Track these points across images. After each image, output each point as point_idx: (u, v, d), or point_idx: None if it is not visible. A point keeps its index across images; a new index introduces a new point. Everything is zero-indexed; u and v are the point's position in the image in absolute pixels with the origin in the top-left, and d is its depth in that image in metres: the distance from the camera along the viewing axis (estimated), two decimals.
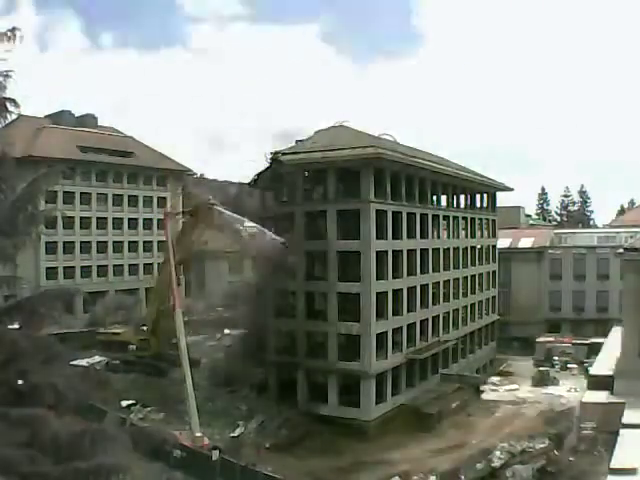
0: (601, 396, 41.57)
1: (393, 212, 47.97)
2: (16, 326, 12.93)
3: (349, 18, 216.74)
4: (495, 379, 61.61)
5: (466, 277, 60.87)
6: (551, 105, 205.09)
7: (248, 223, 47.17)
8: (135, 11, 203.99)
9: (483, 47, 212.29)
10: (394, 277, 47.70)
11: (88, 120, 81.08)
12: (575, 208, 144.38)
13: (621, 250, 47.55)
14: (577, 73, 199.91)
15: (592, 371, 46.71)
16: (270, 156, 48.12)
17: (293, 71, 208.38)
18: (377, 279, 45.56)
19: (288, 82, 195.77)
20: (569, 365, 62.64)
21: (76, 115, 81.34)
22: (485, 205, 68.19)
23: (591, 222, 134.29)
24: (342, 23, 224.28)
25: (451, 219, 58.58)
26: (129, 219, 77.92)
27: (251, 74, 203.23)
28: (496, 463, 37.81)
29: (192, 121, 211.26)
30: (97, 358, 49.43)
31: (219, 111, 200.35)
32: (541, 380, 58.13)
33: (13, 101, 12.85)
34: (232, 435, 43.26)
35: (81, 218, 72.62)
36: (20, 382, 11.99)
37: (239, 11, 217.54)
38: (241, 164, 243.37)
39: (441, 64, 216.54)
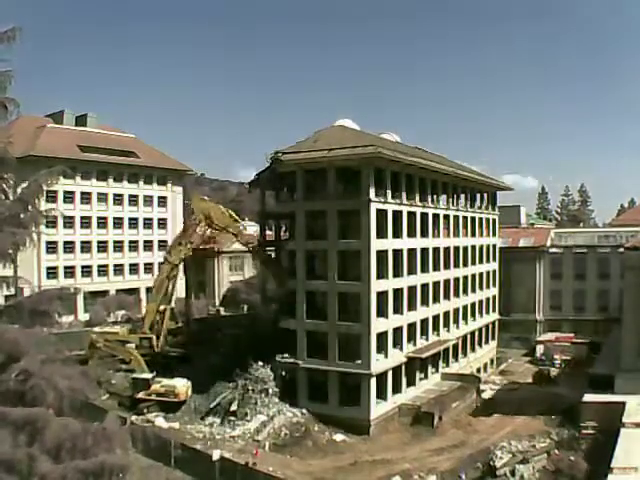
0: (602, 395, 41.63)
1: (393, 211, 47.94)
2: (16, 325, 12.90)
3: None
4: (496, 378, 61.68)
5: (466, 276, 60.82)
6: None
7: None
8: None
9: None
10: (395, 276, 47.65)
11: (89, 119, 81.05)
12: (575, 207, 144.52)
13: (622, 249, 47.63)
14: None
15: (593, 370, 46.77)
16: (270, 156, 48.05)
17: None
18: (377, 278, 45.51)
19: None
20: (569, 364, 62.65)
21: (77, 114, 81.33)
22: (485, 204, 68.15)
23: (591, 221, 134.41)
24: None
25: (451, 218, 58.50)
26: (129, 218, 77.92)
27: None
28: (497, 462, 37.79)
29: None
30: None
31: None
32: (541, 379, 58.19)
33: (13, 101, 12.83)
34: (232, 434, 43.30)
35: (81, 217, 72.64)
36: (21, 382, 11.97)
37: None
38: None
39: None
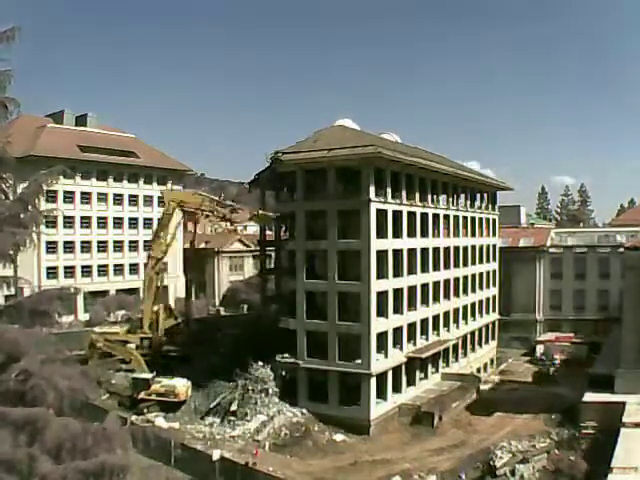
0: (602, 395, 41.62)
1: (393, 211, 47.94)
2: (16, 325, 12.88)
3: None
4: (496, 378, 61.66)
5: (466, 276, 60.80)
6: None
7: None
8: None
9: None
10: (395, 276, 47.65)
11: (89, 119, 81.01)
12: (575, 207, 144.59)
13: (621, 249, 47.60)
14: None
15: (593, 370, 46.74)
16: (270, 156, 48.05)
17: None
18: (377, 278, 45.51)
19: None
20: (569, 364, 62.61)
21: (77, 114, 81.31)
22: (485, 204, 68.13)
23: (591, 221, 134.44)
24: None
25: (451, 218, 58.48)
26: (129, 218, 77.89)
27: None
28: (497, 462, 37.78)
29: None
30: None
31: None
32: (541, 379, 58.17)
33: (14, 100, 12.80)
34: (232, 434, 43.28)
35: (81, 217, 72.63)
36: (21, 382, 11.95)
37: None
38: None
39: None
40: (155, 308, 54.65)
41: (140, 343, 53.93)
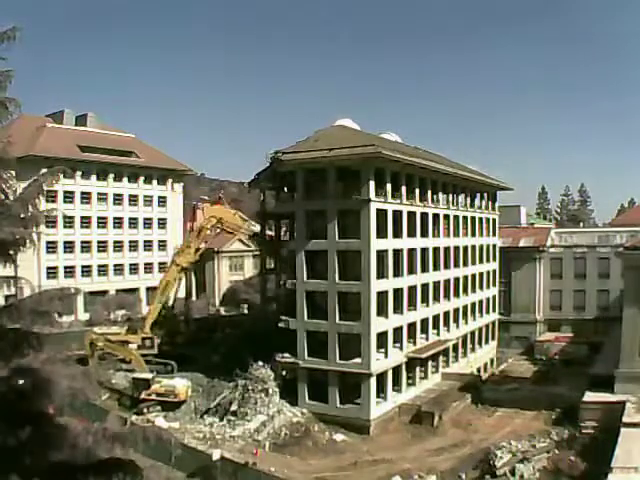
0: (602, 395, 41.63)
1: (393, 211, 47.95)
2: (17, 325, 12.89)
3: None
4: (495, 378, 61.66)
5: (467, 276, 60.81)
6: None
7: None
8: None
9: None
10: (395, 276, 47.67)
11: (89, 119, 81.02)
12: (575, 207, 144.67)
13: (621, 249, 47.62)
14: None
15: (593, 370, 46.75)
16: (270, 155, 48.07)
17: None
18: (378, 278, 45.53)
19: None
20: (569, 364, 62.62)
21: (77, 114, 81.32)
22: (485, 204, 68.11)
23: (591, 221, 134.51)
24: None
25: (451, 218, 58.47)
26: (129, 218, 77.91)
27: None
28: (497, 462, 37.77)
29: None
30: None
31: None
32: (541, 379, 58.14)
33: (14, 100, 12.78)
34: (232, 434, 43.28)
35: (81, 217, 72.64)
36: (22, 381, 11.96)
37: None
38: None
39: None
40: (160, 304, 54.95)
41: (142, 343, 54.05)
